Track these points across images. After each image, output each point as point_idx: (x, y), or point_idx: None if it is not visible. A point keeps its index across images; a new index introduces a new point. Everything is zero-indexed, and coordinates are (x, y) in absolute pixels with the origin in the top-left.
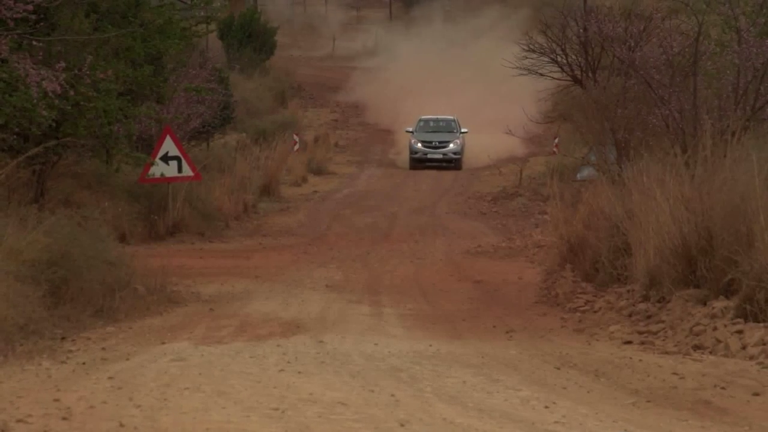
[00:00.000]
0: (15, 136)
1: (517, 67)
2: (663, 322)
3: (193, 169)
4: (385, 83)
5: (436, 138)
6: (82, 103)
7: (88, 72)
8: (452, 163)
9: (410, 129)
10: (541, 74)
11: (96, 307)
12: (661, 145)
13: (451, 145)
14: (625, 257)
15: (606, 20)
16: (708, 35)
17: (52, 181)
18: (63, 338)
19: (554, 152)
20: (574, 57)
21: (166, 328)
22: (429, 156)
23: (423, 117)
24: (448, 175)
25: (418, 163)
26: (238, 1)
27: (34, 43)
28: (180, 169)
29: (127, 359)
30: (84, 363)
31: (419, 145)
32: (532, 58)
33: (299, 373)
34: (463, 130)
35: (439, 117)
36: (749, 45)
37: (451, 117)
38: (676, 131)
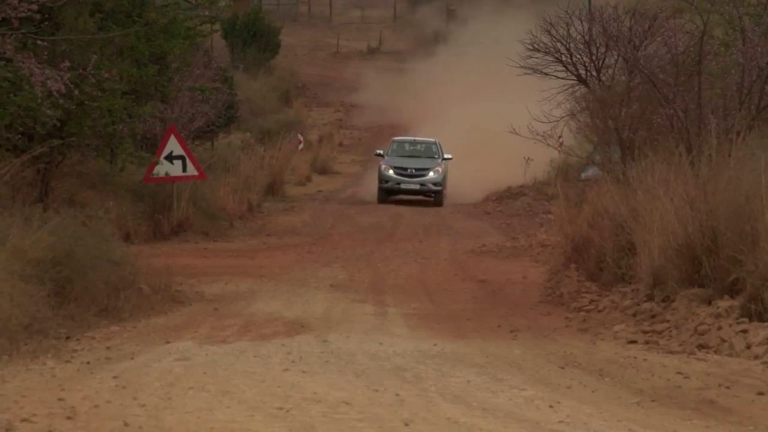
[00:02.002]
0: (20, 136)
1: (521, 67)
2: (667, 321)
3: (198, 169)
4: (395, 84)
5: (412, 164)
6: (86, 102)
7: (92, 71)
8: (431, 196)
9: (380, 152)
10: (546, 73)
11: (100, 306)
12: (666, 145)
13: (431, 174)
14: (629, 257)
15: (610, 19)
16: (711, 35)
17: (56, 180)
18: (67, 337)
19: (558, 151)
20: (578, 56)
21: (171, 327)
22: (403, 186)
23: (396, 138)
24: (452, 175)
25: (389, 194)
26: (243, 0)
27: (39, 42)
28: (184, 169)
29: (132, 358)
30: (88, 362)
31: (391, 172)
32: (536, 58)
33: (303, 372)
34: (446, 156)
35: (416, 139)
36: (754, 44)
37: (432, 139)
38: (680, 130)
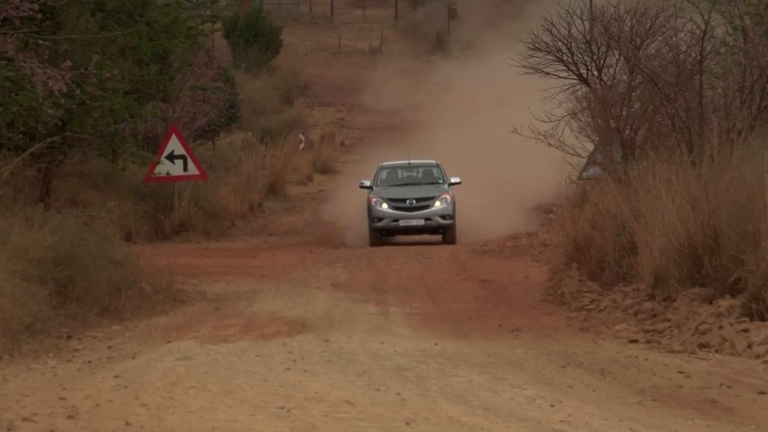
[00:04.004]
0: (21, 135)
1: (522, 66)
2: (669, 320)
3: (199, 168)
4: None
5: (411, 194)
6: (88, 102)
7: (94, 71)
8: (441, 232)
9: (366, 182)
10: (547, 73)
11: (102, 306)
12: (667, 144)
13: (438, 204)
14: (630, 256)
15: (612, 19)
16: (712, 35)
17: (58, 180)
18: (69, 337)
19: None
20: (579, 56)
21: (172, 327)
22: (402, 224)
23: (385, 164)
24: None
25: (385, 235)
26: (244, 0)
27: (40, 42)
28: (186, 168)
29: (133, 358)
30: (90, 362)
31: (385, 206)
32: (537, 57)
33: (305, 372)
34: (453, 181)
35: (412, 162)
36: (755, 44)
37: (432, 161)
38: (682, 130)
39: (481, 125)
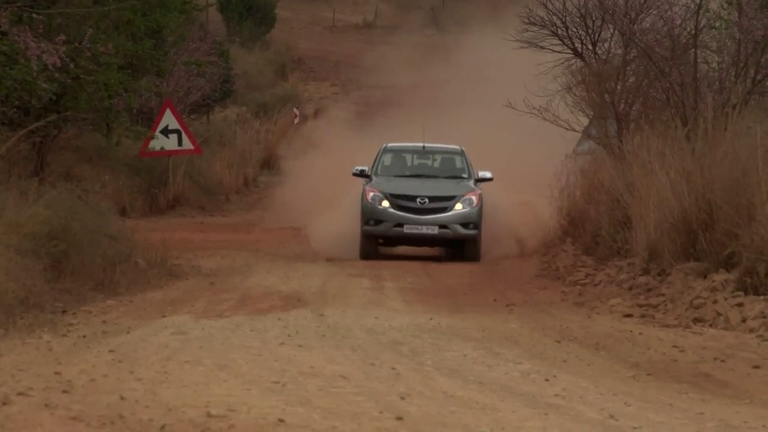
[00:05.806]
0: (15, 110)
1: (517, 40)
2: (663, 295)
3: (194, 143)
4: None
5: (423, 190)
6: (82, 76)
7: (88, 45)
8: (458, 245)
9: (362, 169)
10: (542, 47)
11: (97, 280)
12: (662, 118)
13: (459, 206)
14: (625, 231)
15: None
16: (707, 9)
17: (52, 154)
18: (64, 311)
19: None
20: (574, 30)
21: (167, 301)
22: (407, 230)
23: (391, 145)
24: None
25: (382, 243)
26: None
27: (35, 16)
28: (180, 143)
29: (128, 332)
30: (85, 336)
31: (385, 204)
32: (532, 31)
33: (300, 346)
34: (482, 175)
35: (428, 146)
36: (749, 18)
37: (455, 147)
38: (676, 104)
39: (481, 101)
